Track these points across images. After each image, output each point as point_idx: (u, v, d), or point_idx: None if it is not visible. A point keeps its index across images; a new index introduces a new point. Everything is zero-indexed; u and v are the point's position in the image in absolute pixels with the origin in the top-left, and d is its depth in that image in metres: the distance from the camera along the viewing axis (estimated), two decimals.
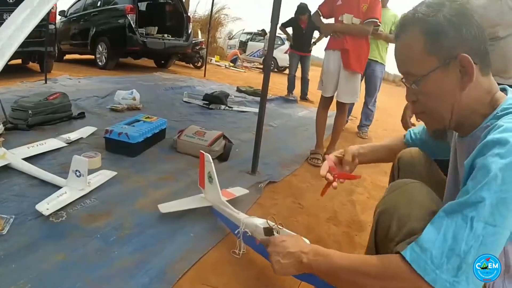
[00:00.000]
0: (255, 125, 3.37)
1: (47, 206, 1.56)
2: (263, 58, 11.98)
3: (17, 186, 1.81)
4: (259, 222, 1.28)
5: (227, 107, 4.12)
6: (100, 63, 7.00)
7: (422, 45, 0.77)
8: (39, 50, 5.11)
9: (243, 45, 14.87)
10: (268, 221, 1.22)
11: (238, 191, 1.85)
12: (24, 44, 4.13)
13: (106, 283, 1.24)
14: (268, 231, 1.18)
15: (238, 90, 5.78)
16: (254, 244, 1.33)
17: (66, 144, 2.34)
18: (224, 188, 1.87)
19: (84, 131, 2.62)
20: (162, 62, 8.56)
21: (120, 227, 1.54)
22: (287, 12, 6.57)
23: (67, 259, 1.34)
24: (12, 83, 4.77)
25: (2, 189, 1.78)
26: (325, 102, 2.72)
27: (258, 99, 5.04)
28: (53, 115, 2.83)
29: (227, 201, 1.62)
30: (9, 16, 3.64)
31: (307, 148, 2.91)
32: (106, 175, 1.94)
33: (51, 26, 5.22)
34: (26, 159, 2.03)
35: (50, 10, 4.85)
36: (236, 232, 1.39)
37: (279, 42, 12.18)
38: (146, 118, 2.65)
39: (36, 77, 5.26)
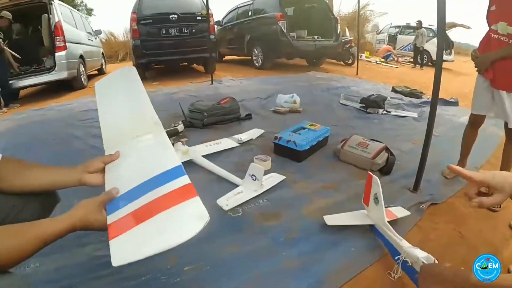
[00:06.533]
0: (415, 132, 3.18)
1: (226, 202, 1.85)
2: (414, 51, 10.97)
3: (199, 181, 2.16)
4: (421, 256, 1.23)
5: (384, 112, 3.95)
6: (256, 64, 7.90)
7: None
8: (203, 56, 6.33)
9: (392, 39, 14.00)
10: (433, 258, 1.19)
11: (399, 211, 1.79)
12: (189, 52, 5.32)
13: (269, 279, 1.40)
14: None
15: (394, 90, 5.46)
16: (411, 274, 1.29)
17: (238, 144, 2.70)
18: (386, 206, 1.84)
19: (253, 133, 2.96)
20: (314, 60, 8.81)
21: (288, 230, 1.69)
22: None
23: (239, 251, 1.56)
24: (182, 83, 5.73)
25: None
26: (472, 118, 2.29)
27: (415, 101, 4.70)
28: (224, 117, 3.31)
29: (388, 221, 1.60)
30: (175, 31, 4.66)
31: (472, 164, 2.52)
32: (276, 178, 2.14)
33: (212, 37, 6.27)
34: (204, 156, 2.42)
35: (209, 23, 6.00)
36: (396, 258, 1.37)
37: (431, 35, 10.95)
38: (310, 125, 2.80)
39: (203, 78, 6.22)
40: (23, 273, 1.34)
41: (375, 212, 1.61)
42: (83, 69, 6.05)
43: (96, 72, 7.60)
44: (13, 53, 5.01)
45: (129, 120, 1.12)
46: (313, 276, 1.42)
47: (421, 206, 1.94)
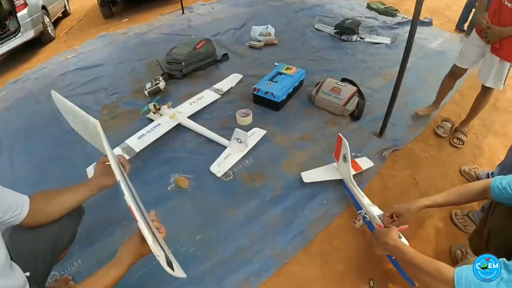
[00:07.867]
0: (387, 64, 3.30)
1: (218, 168, 2.07)
2: None
3: (189, 144, 2.34)
4: (377, 214, 1.55)
5: (358, 38, 4.00)
6: None
7: None
8: None
9: None
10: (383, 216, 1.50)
11: (364, 163, 2.07)
12: None
13: (261, 236, 1.72)
14: None
15: (369, 7, 5.37)
16: (370, 228, 1.64)
17: (219, 96, 2.81)
18: (353, 156, 2.12)
19: (232, 79, 3.04)
20: None
21: (272, 188, 1.97)
22: None
23: (236, 214, 1.84)
24: (152, 17, 5.37)
25: (178, 148, 2.32)
26: (454, 69, 2.35)
27: (389, 21, 4.67)
28: (202, 62, 3.32)
29: (354, 174, 1.89)
30: None
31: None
32: (258, 134, 2.32)
33: None
34: (190, 116, 2.51)
35: None
36: (358, 212, 1.69)
37: None
38: (286, 69, 2.88)
39: (172, 6, 5.79)
40: None
41: (343, 168, 1.88)
42: (48, 19, 5.51)
43: (61, 15, 6.88)
44: None
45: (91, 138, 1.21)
46: (295, 229, 1.75)
47: (383, 154, 2.21)
